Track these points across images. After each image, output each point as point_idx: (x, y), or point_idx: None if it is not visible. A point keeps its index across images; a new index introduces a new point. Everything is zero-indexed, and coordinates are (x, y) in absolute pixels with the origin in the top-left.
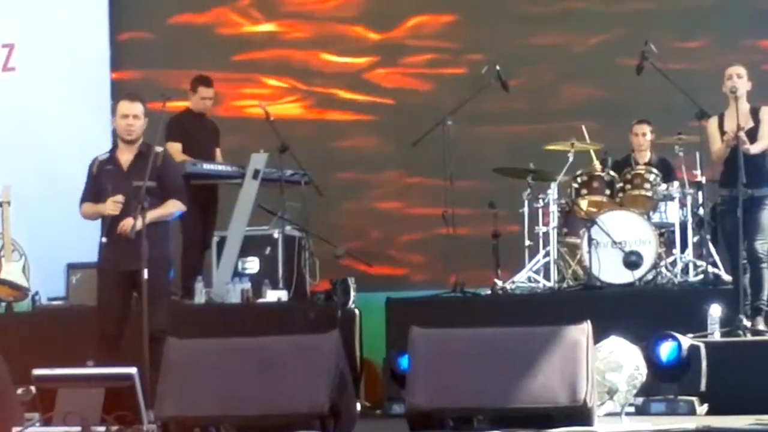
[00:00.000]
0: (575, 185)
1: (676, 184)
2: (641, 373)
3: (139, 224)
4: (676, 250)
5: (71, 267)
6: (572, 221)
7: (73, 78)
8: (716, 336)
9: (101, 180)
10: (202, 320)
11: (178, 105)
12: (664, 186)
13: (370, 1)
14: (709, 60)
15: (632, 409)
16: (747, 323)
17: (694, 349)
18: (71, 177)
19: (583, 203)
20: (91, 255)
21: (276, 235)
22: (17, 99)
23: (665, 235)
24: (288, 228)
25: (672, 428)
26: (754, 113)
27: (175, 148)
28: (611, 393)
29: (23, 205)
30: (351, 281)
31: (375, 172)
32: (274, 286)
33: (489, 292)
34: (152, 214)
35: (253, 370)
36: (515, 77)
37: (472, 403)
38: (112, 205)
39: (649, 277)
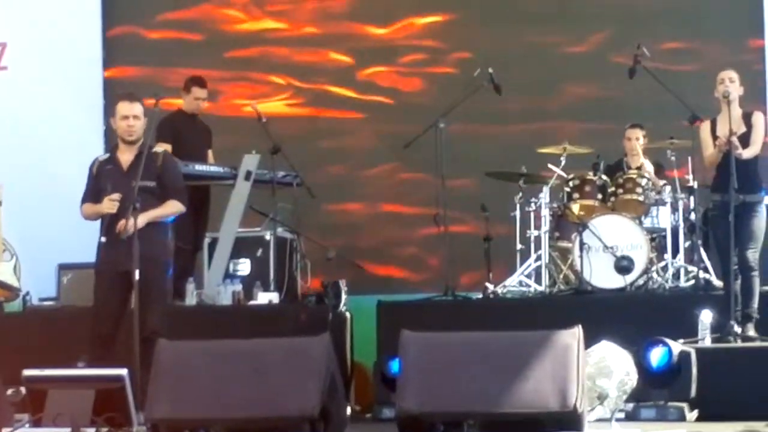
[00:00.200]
0: (567, 189)
1: (668, 189)
2: (632, 378)
3: (131, 224)
4: (668, 255)
5: (62, 267)
6: (564, 225)
7: (65, 76)
8: (707, 342)
9: (101, 180)
10: (193, 322)
11: (170, 102)
12: (661, 182)
13: None
14: (702, 61)
15: (622, 415)
16: (738, 329)
17: (684, 355)
18: (63, 176)
19: (575, 207)
20: (83, 255)
21: (267, 237)
22: (9, 98)
23: (657, 240)
24: (280, 230)
25: None
26: (747, 118)
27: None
28: (601, 398)
29: (15, 204)
30: (342, 284)
31: (367, 168)
32: (266, 288)
33: (480, 296)
34: (151, 214)
35: (243, 373)
36: (508, 77)
37: (462, 407)
38: (108, 203)
39: (641, 282)
